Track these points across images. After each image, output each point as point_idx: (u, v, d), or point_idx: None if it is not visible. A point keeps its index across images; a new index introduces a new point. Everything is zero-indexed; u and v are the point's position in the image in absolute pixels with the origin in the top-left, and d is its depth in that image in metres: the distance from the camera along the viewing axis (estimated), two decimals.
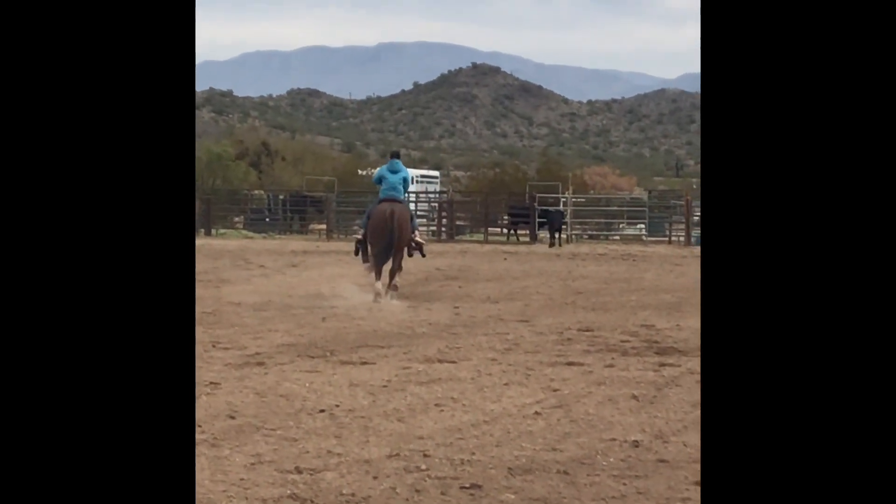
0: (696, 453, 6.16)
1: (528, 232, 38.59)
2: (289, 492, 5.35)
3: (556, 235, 35.68)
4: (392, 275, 16.34)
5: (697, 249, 32.65)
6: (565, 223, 38.17)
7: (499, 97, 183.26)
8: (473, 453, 6.15)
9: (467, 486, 5.48)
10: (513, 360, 9.65)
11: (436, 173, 64.37)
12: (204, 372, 8.67)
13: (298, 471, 5.70)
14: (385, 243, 16.18)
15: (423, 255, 17.59)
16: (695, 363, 9.51)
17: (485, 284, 18.77)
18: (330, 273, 20.37)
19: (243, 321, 12.39)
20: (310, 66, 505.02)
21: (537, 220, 38.44)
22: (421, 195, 45.18)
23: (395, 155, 17.47)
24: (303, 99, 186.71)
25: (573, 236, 38.98)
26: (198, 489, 5.33)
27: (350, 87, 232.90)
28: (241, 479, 5.53)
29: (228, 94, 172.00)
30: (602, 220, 43.87)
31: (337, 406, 7.43)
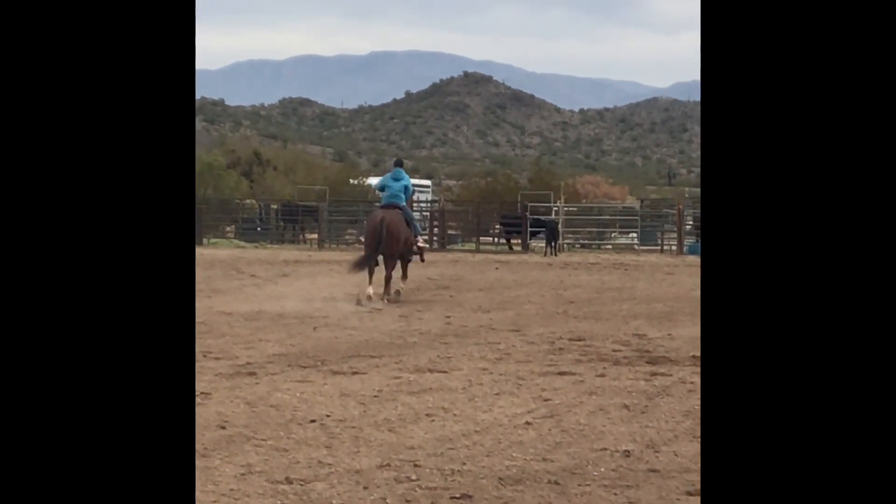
0: (688, 463, 6.17)
1: (520, 241, 38.60)
2: (279, 502, 5.35)
3: (554, 244, 35.69)
4: (386, 281, 16.71)
5: (689, 258, 32.70)
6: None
7: (491, 106, 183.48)
8: (464, 463, 6.15)
9: (458, 496, 5.48)
10: (504, 370, 9.64)
11: (427, 182, 64.38)
12: (195, 382, 8.65)
13: (289, 481, 5.69)
14: (372, 249, 16.68)
15: (422, 261, 18.25)
16: (686, 372, 9.51)
17: (476, 294, 18.78)
18: (322, 283, 20.36)
19: (234, 331, 12.38)
20: (301, 76, 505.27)
21: (534, 229, 38.44)
22: (413, 204, 45.08)
23: (399, 164, 18.32)
24: (294, 108, 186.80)
25: (565, 245, 38.98)
26: None
27: (342, 97, 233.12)
28: (232, 490, 5.53)
29: (220, 103, 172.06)
30: (594, 230, 43.90)
31: (328, 416, 7.42)
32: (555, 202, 41.29)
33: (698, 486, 4.97)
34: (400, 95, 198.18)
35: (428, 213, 42.15)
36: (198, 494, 5.38)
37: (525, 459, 6.27)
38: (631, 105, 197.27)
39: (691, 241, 37.43)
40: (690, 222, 38.88)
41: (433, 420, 7.38)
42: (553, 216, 39.30)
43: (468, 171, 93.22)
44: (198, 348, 10.62)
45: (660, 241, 40.38)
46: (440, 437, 6.86)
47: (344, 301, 16.37)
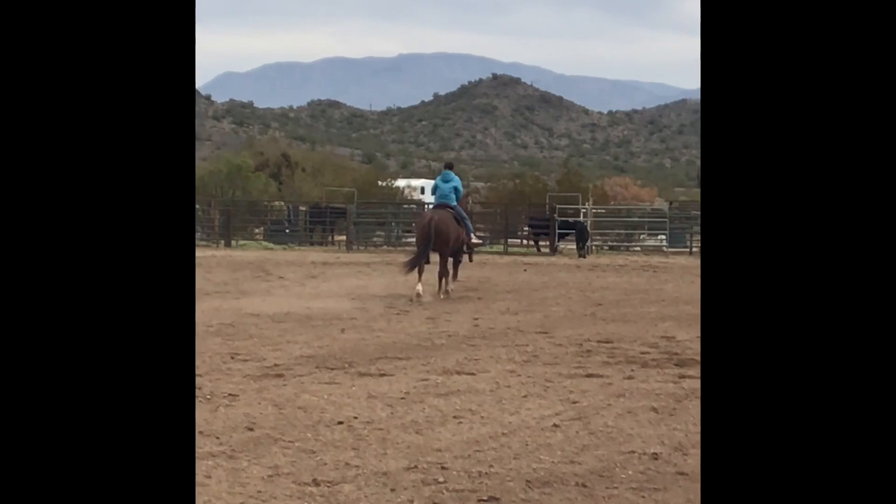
0: None
1: (548, 243, 38.50)
2: None
3: (585, 245, 35.66)
4: (439, 277, 17.87)
5: None
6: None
7: (519, 108, 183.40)
8: (491, 466, 6.13)
9: (485, 498, 5.47)
10: (532, 372, 9.62)
11: None
12: (223, 384, 8.68)
13: (316, 483, 5.69)
14: (423, 247, 17.61)
15: (471, 261, 19.12)
16: None
17: (504, 296, 18.75)
18: (350, 284, 20.39)
19: (262, 333, 12.40)
20: (330, 78, 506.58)
21: (563, 231, 38.35)
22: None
23: (449, 166, 19.40)
24: (323, 110, 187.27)
25: (593, 247, 38.88)
26: (215, 501, 5.33)
27: (370, 99, 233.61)
28: (259, 492, 5.53)
29: (249, 105, 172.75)
30: (622, 231, 43.76)
31: (355, 418, 7.42)
32: (583, 204, 41.18)
33: None
34: (428, 97, 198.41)
35: None
36: (225, 496, 5.40)
37: (552, 462, 6.25)
38: (660, 107, 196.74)
39: None
40: None
41: (460, 422, 7.36)
42: (581, 218, 39.20)
43: (496, 173, 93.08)
44: (226, 350, 10.67)
45: (689, 243, 40.19)
46: (467, 439, 6.84)
47: (372, 302, 16.38)
